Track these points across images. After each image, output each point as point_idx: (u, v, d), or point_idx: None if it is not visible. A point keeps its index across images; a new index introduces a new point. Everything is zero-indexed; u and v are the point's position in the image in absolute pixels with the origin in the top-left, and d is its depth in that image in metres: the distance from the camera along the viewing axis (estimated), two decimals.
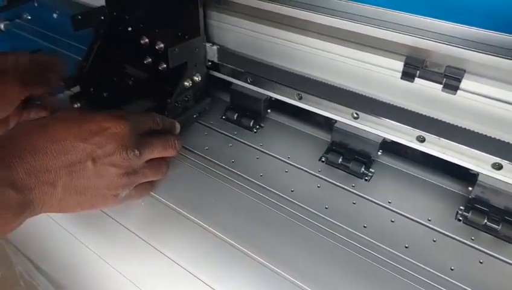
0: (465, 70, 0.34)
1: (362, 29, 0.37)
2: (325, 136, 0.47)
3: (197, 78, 0.49)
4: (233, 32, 0.48)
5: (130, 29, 0.54)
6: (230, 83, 0.51)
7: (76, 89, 0.55)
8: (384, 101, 0.39)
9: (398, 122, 0.38)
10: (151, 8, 0.51)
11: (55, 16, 0.74)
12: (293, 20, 0.42)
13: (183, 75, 0.48)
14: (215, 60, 0.50)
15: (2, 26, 0.80)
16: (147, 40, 0.53)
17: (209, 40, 0.50)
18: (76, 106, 0.53)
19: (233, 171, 0.43)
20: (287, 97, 0.46)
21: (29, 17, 0.82)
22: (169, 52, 0.45)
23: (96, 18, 0.54)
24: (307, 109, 0.44)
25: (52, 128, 0.32)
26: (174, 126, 0.43)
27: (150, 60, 0.54)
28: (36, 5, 0.76)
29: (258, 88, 0.48)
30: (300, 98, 0.44)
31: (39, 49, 0.84)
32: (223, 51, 0.49)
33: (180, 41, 0.48)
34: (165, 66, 0.51)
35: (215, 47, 0.49)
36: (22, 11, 0.81)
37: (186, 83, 0.48)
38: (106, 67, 0.56)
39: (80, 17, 0.51)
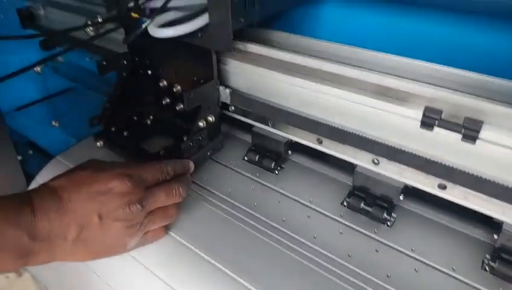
0: (483, 122, 0.34)
1: (381, 80, 0.38)
2: (347, 179, 0.47)
3: (210, 119, 0.51)
4: (245, 76, 0.49)
5: (150, 72, 0.56)
6: (252, 125, 0.52)
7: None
8: (404, 148, 0.39)
9: (418, 169, 0.38)
10: (169, 54, 0.52)
11: (87, 59, 0.77)
12: (307, 69, 0.43)
13: (198, 116, 0.49)
14: (228, 102, 0.51)
15: (38, 68, 0.84)
16: (165, 82, 0.55)
17: (222, 83, 0.51)
18: (98, 144, 0.55)
19: (255, 216, 0.44)
20: (307, 141, 0.46)
21: (62, 60, 0.87)
22: (185, 97, 0.46)
23: (120, 63, 0.55)
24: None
25: (65, 192, 0.37)
26: (188, 167, 0.46)
27: (168, 101, 0.55)
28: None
29: (279, 131, 0.48)
30: (320, 143, 0.45)
31: (70, 88, 0.88)
32: (235, 94, 0.50)
33: (196, 84, 0.50)
34: (182, 106, 0.53)
35: (227, 90, 0.50)
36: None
37: (200, 124, 0.50)
38: (127, 107, 0.58)
39: (104, 62, 0.53)
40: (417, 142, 0.38)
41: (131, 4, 0.43)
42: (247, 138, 0.55)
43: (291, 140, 0.49)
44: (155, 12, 0.42)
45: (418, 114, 0.36)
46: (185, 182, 0.43)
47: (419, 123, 0.36)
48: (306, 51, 0.49)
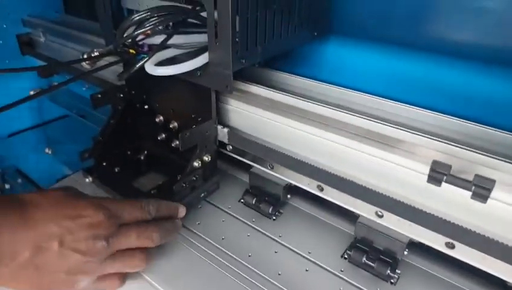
0: (495, 181, 0.32)
1: (389, 130, 0.36)
2: (349, 228, 0.45)
3: (206, 159, 0.48)
4: (244, 116, 0.48)
5: (146, 107, 0.54)
6: (249, 165, 0.50)
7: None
8: (409, 203, 0.37)
9: (424, 227, 0.36)
10: (167, 89, 0.51)
11: (84, 88, 0.76)
12: (310, 114, 0.41)
13: (193, 156, 0.47)
14: (226, 141, 0.49)
15: (32, 92, 0.82)
16: (161, 118, 0.53)
17: (220, 121, 0.49)
18: (87, 180, 0.53)
19: (250, 268, 0.41)
20: (308, 187, 0.44)
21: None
22: (181, 137, 0.44)
23: (116, 96, 0.54)
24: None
25: (33, 206, 0.33)
26: (175, 211, 0.43)
27: (164, 136, 0.54)
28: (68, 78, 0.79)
29: (278, 174, 0.46)
30: (321, 190, 0.42)
31: (66, 116, 0.86)
32: (233, 133, 0.48)
33: (193, 121, 0.48)
34: (177, 142, 0.51)
35: (225, 129, 0.49)
36: (53, 81, 0.85)
37: (195, 164, 0.47)
38: (120, 141, 0.56)
39: (99, 95, 0.51)
40: (424, 197, 0.36)
41: (129, 40, 0.41)
42: (245, 177, 0.53)
43: (290, 183, 0.47)
44: (154, 49, 0.41)
45: (425, 168, 0.35)
46: (164, 227, 0.40)
47: (427, 177, 0.35)
48: (308, 93, 0.48)
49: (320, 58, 0.55)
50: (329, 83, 0.48)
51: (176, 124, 0.51)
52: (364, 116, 0.38)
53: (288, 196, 0.49)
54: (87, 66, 0.50)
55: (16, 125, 0.84)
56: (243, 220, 0.47)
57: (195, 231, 0.45)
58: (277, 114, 0.44)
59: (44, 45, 0.78)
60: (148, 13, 0.39)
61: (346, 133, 0.39)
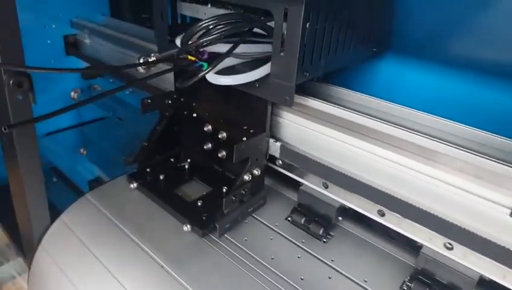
0: None
1: (470, 158, 0.34)
2: (406, 257, 0.42)
3: (256, 172, 0.47)
4: (299, 131, 0.46)
5: (194, 115, 0.53)
6: (295, 181, 0.48)
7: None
8: (488, 238, 0.34)
9: (506, 265, 0.33)
10: (219, 99, 0.50)
11: (127, 93, 0.77)
12: (377, 133, 0.39)
13: (244, 169, 0.45)
14: (277, 155, 0.48)
15: (75, 94, 0.86)
16: (210, 127, 0.52)
17: (272, 135, 0.48)
18: (132, 185, 0.52)
19: None
20: (366, 211, 0.41)
21: (99, 88, 0.87)
22: (236, 149, 0.43)
23: (164, 102, 0.53)
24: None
25: None
26: None
27: (210, 146, 0.52)
28: (111, 80, 0.80)
29: (332, 194, 0.44)
30: (382, 215, 0.40)
31: (103, 118, 0.87)
32: (285, 148, 0.47)
33: (244, 133, 0.47)
34: (224, 153, 0.50)
35: (278, 143, 0.47)
36: (93, 83, 0.86)
37: (246, 177, 0.46)
38: (165, 148, 0.55)
39: (149, 100, 0.51)
40: (506, 233, 0.33)
41: (193, 47, 0.41)
42: (291, 195, 0.51)
43: (345, 205, 0.44)
44: (218, 58, 0.40)
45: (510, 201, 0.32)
46: None
47: (510, 211, 0.32)
48: (366, 109, 0.46)
49: (376, 74, 0.53)
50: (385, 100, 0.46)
51: (224, 134, 0.50)
52: (432, 138, 0.36)
53: (340, 218, 0.46)
54: (142, 71, 0.49)
55: (54, 125, 0.84)
56: (292, 240, 0.45)
57: (242, 247, 0.44)
58: (336, 130, 0.42)
59: (89, 46, 0.79)
60: (216, 21, 0.39)
61: (413, 155, 0.37)
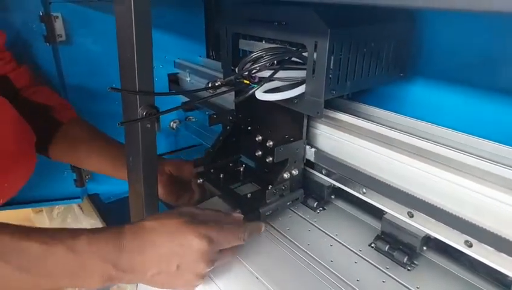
0: None
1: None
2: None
3: (294, 172, 0.57)
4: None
5: (249, 128, 0.67)
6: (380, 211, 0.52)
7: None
8: None
9: None
10: (268, 114, 0.63)
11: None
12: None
13: (284, 168, 0.56)
14: (312, 159, 0.58)
15: (173, 125, 1.05)
16: (260, 137, 0.64)
17: (309, 143, 0.58)
18: (199, 181, 0.66)
19: None
20: (453, 242, 0.43)
21: (194, 119, 1.05)
22: (276, 150, 0.54)
23: (226, 117, 0.68)
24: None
25: (154, 233, 0.44)
26: (259, 230, 0.52)
27: (260, 153, 0.64)
28: (207, 113, 0.98)
29: (416, 223, 0.47)
30: (470, 246, 0.41)
31: (197, 145, 1.04)
32: (319, 153, 0.57)
33: (286, 142, 0.58)
34: (271, 159, 0.61)
35: (313, 149, 0.57)
36: (189, 115, 1.05)
37: (285, 175, 0.56)
38: (226, 154, 0.69)
39: (215, 116, 0.66)
40: None
41: (246, 73, 0.55)
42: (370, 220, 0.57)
43: (429, 235, 0.46)
44: (263, 80, 0.53)
45: None
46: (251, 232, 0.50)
47: None
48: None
49: (403, 96, 0.60)
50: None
51: (271, 143, 0.62)
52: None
53: (424, 247, 0.48)
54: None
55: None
56: (377, 265, 0.49)
57: (329, 268, 0.49)
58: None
59: (188, 83, 0.96)
60: (263, 52, 0.52)
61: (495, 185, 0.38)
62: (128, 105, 0.47)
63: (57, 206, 1.19)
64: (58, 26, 0.79)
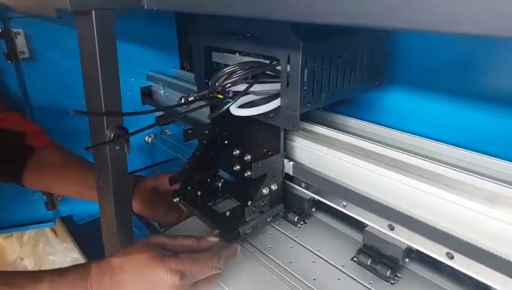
0: None
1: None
2: None
3: (273, 187, 0.56)
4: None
5: (226, 142, 0.65)
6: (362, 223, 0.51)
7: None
8: None
9: None
10: (244, 129, 0.61)
11: None
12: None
13: (263, 184, 0.55)
14: (291, 173, 0.57)
15: (149, 139, 1.02)
16: (238, 151, 0.63)
17: (287, 156, 0.57)
18: (175, 200, 0.64)
19: None
20: (433, 253, 0.43)
21: (170, 133, 1.02)
22: (254, 166, 0.53)
23: (202, 132, 0.66)
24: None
25: (121, 271, 0.42)
26: (235, 253, 0.50)
27: (238, 168, 0.63)
28: (182, 127, 0.94)
29: (397, 235, 0.46)
30: (451, 258, 0.41)
31: (173, 159, 0.99)
32: (297, 167, 0.55)
33: (264, 155, 0.56)
34: (249, 173, 0.59)
35: (291, 162, 0.56)
36: (165, 128, 1.02)
37: (264, 191, 0.55)
38: (203, 169, 0.67)
39: (190, 131, 0.64)
40: None
41: (219, 88, 0.53)
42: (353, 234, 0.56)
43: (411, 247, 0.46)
44: (238, 95, 0.52)
45: None
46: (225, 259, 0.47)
47: None
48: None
49: (379, 104, 0.60)
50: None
51: (249, 157, 0.60)
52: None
53: (406, 259, 0.48)
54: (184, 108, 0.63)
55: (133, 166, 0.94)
56: (360, 281, 0.48)
57: (312, 286, 0.48)
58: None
59: (161, 96, 0.93)
60: (237, 67, 0.51)
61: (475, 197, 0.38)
62: (95, 127, 0.45)
63: (27, 231, 1.13)
64: (20, 42, 0.75)
